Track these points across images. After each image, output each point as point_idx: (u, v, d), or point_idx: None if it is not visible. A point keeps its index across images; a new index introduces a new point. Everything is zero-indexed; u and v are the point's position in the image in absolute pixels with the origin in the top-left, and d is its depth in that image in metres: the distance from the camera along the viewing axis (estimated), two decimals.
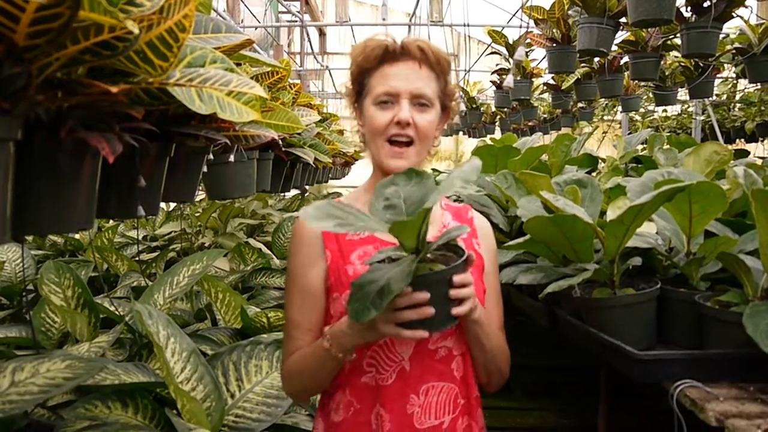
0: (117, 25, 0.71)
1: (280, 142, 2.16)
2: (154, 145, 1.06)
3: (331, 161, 2.81)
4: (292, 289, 1.19)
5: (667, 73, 4.84)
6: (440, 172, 3.21)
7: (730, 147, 2.54)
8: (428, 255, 1.00)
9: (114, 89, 0.75)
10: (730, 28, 4.15)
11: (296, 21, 8.52)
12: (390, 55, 1.16)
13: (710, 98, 5.62)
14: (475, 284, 1.19)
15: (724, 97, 7.01)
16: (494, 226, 1.53)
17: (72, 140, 0.80)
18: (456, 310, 1.01)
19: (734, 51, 3.85)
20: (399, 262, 0.97)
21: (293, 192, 5.31)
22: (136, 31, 0.73)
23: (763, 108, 6.43)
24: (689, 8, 3.18)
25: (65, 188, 0.84)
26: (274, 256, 3.33)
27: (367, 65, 1.17)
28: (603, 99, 6.45)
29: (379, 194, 0.99)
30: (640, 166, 2.63)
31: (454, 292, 1.00)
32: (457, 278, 1.00)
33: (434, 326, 1.00)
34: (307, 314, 1.16)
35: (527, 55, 5.24)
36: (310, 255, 1.17)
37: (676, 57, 4.53)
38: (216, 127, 1.21)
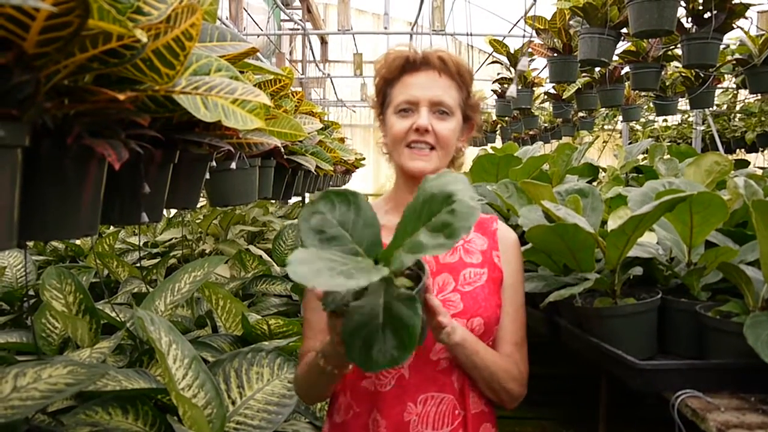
0: (125, 33, 0.72)
1: (282, 150, 2.17)
2: (159, 152, 1.07)
3: (332, 169, 2.82)
4: (306, 290, 1.24)
5: (667, 84, 4.86)
6: None
7: (730, 157, 2.53)
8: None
9: (121, 97, 0.75)
10: (731, 39, 4.17)
11: (298, 29, 8.53)
12: (410, 65, 1.18)
13: (711, 108, 5.63)
14: (489, 297, 1.18)
15: (725, 107, 7.03)
16: None
17: (78, 147, 0.81)
18: None
19: (735, 62, 3.87)
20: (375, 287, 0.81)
21: (295, 199, 5.32)
22: (144, 39, 0.74)
23: (763, 118, 6.44)
24: (690, 19, 3.20)
25: (71, 194, 0.84)
26: (274, 263, 3.32)
27: (390, 76, 1.20)
28: (604, 108, 6.47)
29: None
30: (640, 175, 2.63)
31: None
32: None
33: None
34: (319, 315, 1.16)
35: (529, 65, 5.25)
36: None
37: (677, 67, 4.55)
38: (220, 134, 1.21)
